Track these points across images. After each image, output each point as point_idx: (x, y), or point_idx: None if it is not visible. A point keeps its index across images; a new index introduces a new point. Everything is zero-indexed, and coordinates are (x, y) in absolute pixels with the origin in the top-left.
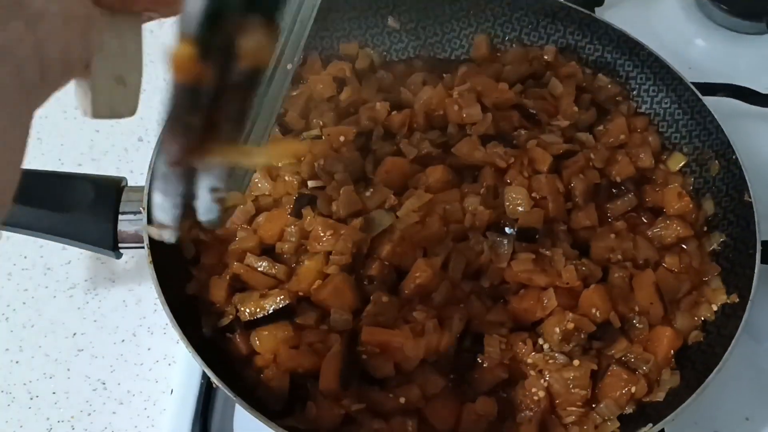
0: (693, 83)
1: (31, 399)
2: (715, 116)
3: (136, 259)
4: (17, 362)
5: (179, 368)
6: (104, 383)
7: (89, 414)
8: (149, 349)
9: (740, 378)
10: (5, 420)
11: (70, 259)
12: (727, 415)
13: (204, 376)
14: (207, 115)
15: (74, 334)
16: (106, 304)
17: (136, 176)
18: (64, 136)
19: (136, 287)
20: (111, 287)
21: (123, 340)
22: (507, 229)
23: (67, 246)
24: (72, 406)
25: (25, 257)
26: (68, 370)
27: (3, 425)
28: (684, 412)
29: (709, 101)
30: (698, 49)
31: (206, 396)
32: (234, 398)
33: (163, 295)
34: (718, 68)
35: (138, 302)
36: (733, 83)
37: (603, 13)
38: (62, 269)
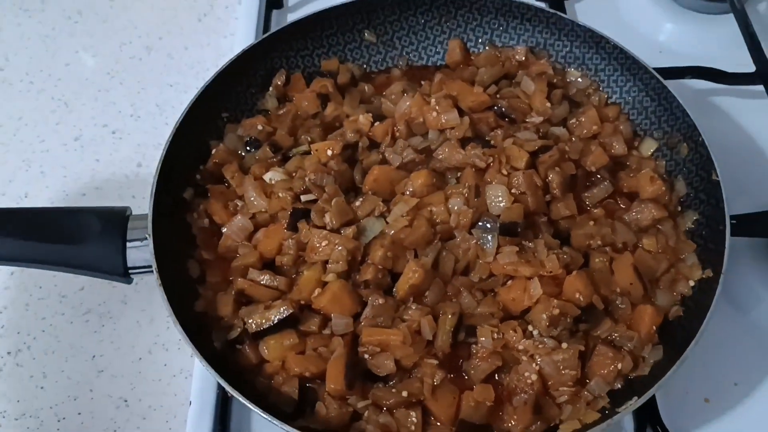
0: (662, 68)
1: (59, 421)
2: (680, 101)
3: (145, 280)
4: (42, 387)
5: (196, 381)
6: (126, 401)
7: (114, 431)
8: (165, 365)
9: (727, 347)
10: None
11: (83, 285)
12: (716, 383)
13: (220, 386)
14: None
15: (93, 356)
16: (121, 325)
17: (139, 201)
18: (67, 167)
19: (148, 307)
20: (124, 309)
21: (140, 358)
22: (490, 225)
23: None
24: (97, 425)
25: (41, 287)
26: (91, 391)
27: None
28: (675, 382)
29: (679, 83)
30: (668, 33)
31: (223, 405)
32: (248, 404)
33: (174, 315)
34: (688, 50)
35: (151, 321)
36: (702, 65)
37: (574, 5)
38: (76, 296)
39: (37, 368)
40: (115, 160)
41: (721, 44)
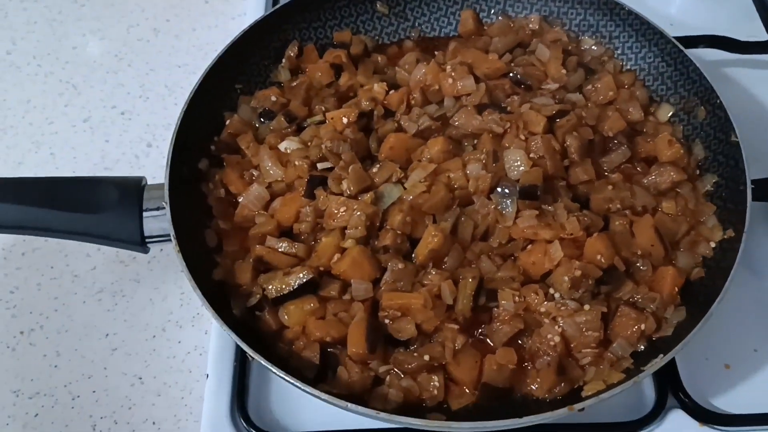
0: (674, 37)
1: (73, 399)
2: (697, 65)
3: (158, 258)
4: (56, 366)
5: (212, 354)
6: (140, 378)
7: (129, 408)
8: (179, 342)
9: (746, 313)
10: (51, 421)
11: (95, 264)
12: (735, 349)
13: (236, 358)
14: None
15: (107, 334)
16: (134, 303)
17: (150, 180)
18: (76, 148)
19: (160, 285)
20: (137, 288)
21: (154, 336)
22: (509, 190)
23: (90, 253)
24: (112, 402)
25: (52, 267)
26: (105, 369)
27: (49, 426)
28: (695, 349)
29: (692, 53)
30: (678, 5)
31: (241, 378)
32: (271, 368)
33: (193, 280)
34: (698, 22)
35: (164, 299)
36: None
37: None
38: (89, 275)
39: (51, 347)
40: (125, 141)
41: (731, 15)
